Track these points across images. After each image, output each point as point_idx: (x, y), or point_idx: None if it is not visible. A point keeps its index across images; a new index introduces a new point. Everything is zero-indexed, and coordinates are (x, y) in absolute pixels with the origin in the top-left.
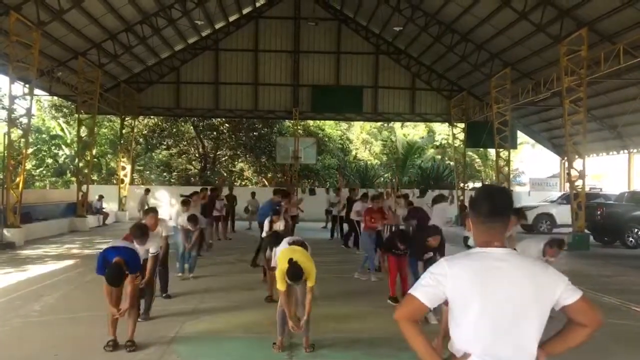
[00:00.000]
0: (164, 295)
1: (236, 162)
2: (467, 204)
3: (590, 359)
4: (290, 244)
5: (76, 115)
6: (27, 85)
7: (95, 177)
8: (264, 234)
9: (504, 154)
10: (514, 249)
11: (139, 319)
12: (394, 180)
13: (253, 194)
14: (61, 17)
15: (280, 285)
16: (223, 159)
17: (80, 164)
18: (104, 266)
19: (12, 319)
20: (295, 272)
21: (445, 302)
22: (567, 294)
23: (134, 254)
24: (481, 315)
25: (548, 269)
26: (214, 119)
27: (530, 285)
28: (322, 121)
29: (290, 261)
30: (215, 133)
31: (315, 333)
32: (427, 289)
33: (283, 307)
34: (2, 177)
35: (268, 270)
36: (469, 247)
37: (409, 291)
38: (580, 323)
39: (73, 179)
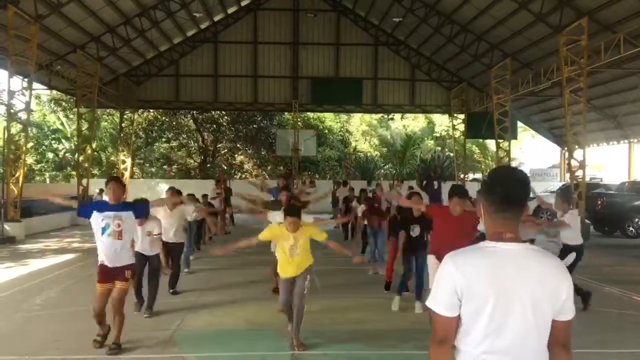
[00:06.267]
0: (170, 291)
1: (236, 155)
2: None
3: (592, 348)
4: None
5: (75, 109)
6: (25, 80)
7: (95, 171)
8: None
9: (504, 144)
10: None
11: (145, 316)
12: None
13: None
14: (59, 10)
15: (262, 235)
16: (223, 151)
17: (81, 158)
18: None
19: (14, 313)
20: (292, 206)
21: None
22: (567, 307)
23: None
24: (489, 315)
25: (560, 270)
26: (213, 112)
27: (540, 287)
28: (322, 113)
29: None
30: (214, 126)
31: (316, 325)
32: (443, 297)
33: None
34: (2, 171)
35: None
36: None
37: (428, 305)
38: (560, 343)
39: (73, 173)
